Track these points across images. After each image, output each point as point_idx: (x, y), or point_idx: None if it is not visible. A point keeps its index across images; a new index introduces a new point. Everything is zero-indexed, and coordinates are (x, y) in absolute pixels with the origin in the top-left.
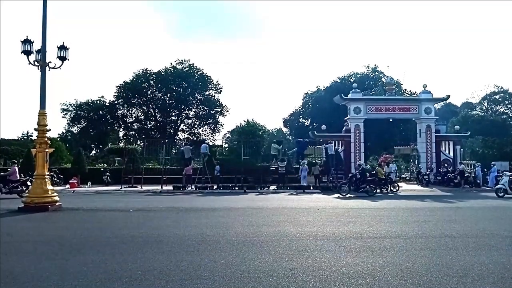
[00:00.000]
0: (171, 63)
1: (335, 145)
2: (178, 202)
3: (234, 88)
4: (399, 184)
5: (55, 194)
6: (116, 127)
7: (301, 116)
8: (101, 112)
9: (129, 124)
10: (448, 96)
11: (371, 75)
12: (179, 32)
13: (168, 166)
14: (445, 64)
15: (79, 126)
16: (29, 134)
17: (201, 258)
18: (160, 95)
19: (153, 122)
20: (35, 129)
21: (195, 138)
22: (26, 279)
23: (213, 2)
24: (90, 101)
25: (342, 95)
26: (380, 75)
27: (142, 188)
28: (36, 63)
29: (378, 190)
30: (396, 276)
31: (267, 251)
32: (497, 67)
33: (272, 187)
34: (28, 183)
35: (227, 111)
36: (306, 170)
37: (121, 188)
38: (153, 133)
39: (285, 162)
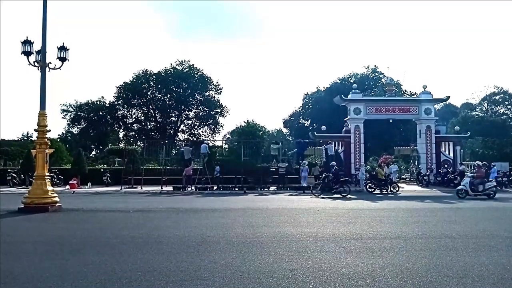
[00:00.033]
0: (171, 64)
1: (335, 146)
2: (178, 203)
3: (234, 89)
4: (399, 184)
5: (55, 194)
6: (116, 128)
7: (301, 117)
8: (101, 113)
9: (129, 125)
10: (448, 97)
11: (371, 76)
12: (179, 32)
13: (168, 167)
14: (445, 64)
15: (79, 126)
16: (29, 135)
17: (201, 259)
18: (160, 95)
19: (153, 123)
20: (35, 130)
21: (195, 139)
22: (26, 279)
23: (213, 2)
24: (90, 101)
25: (342, 95)
26: (380, 76)
27: (142, 188)
28: (36, 63)
29: (378, 191)
30: (396, 277)
31: (267, 252)
32: (497, 67)
33: (272, 188)
34: None
35: (227, 112)
36: (306, 171)
37: (121, 188)
38: (153, 133)
39: (286, 164)
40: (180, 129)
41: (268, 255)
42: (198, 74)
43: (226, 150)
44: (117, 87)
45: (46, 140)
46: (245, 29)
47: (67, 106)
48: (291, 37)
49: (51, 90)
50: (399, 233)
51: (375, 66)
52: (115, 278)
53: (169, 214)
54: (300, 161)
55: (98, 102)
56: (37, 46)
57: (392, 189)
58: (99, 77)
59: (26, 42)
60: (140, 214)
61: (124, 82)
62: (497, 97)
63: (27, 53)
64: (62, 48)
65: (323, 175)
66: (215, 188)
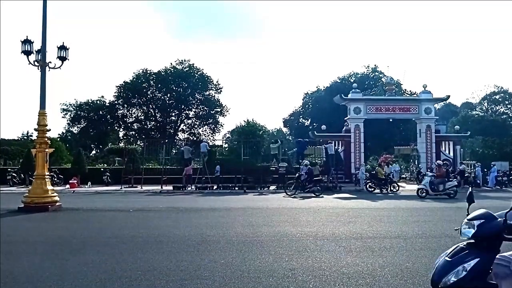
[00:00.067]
0: (171, 63)
1: (335, 145)
2: (178, 202)
3: (234, 88)
4: (400, 184)
5: (55, 194)
6: (116, 127)
7: (301, 116)
8: (101, 112)
9: (129, 124)
10: (448, 96)
11: (371, 75)
12: (179, 32)
13: (168, 166)
14: (445, 64)
15: (79, 126)
16: (29, 134)
17: (201, 258)
18: (160, 95)
19: (153, 122)
20: (35, 129)
21: (195, 138)
22: (26, 279)
23: (213, 2)
24: (90, 101)
25: (342, 95)
26: (380, 75)
27: (142, 188)
28: (36, 63)
29: (378, 190)
30: (396, 276)
31: (267, 251)
32: (497, 67)
33: (272, 187)
34: None
35: (227, 111)
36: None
37: (121, 188)
38: (153, 133)
39: (286, 164)
40: (180, 128)
41: (268, 254)
42: (198, 73)
43: (226, 149)
44: (117, 87)
45: (46, 139)
46: (245, 29)
47: (67, 106)
48: (291, 37)
49: (51, 90)
50: (399, 232)
51: (375, 65)
52: (115, 278)
53: (169, 213)
54: (300, 161)
55: (98, 102)
56: (37, 46)
57: (392, 188)
58: (99, 77)
59: (26, 42)
60: (140, 214)
61: (124, 82)
62: (497, 97)
63: (27, 53)
64: (62, 48)
65: (297, 174)
66: (215, 187)
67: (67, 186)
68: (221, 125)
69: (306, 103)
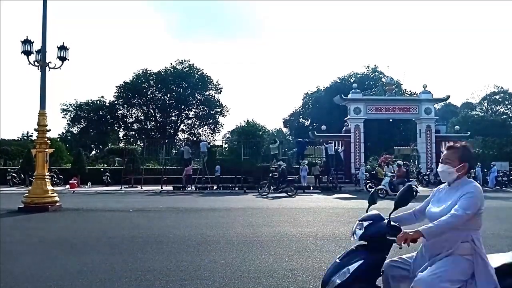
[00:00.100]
0: (171, 63)
1: (335, 145)
2: (178, 203)
3: (234, 88)
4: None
5: (55, 194)
6: (116, 127)
7: (301, 116)
8: (101, 112)
9: (129, 124)
10: (448, 96)
11: (371, 75)
12: (179, 32)
13: (168, 167)
14: (445, 64)
15: (79, 126)
16: (29, 134)
17: (201, 258)
18: (160, 95)
19: (153, 122)
20: (35, 129)
21: (195, 138)
22: (26, 279)
23: (213, 2)
24: (90, 101)
25: (342, 95)
26: (380, 75)
27: (142, 188)
28: (36, 63)
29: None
30: None
31: (267, 251)
32: (497, 67)
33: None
34: None
35: (227, 111)
36: (306, 170)
37: (121, 188)
38: (153, 133)
39: (283, 164)
40: (180, 128)
41: (268, 255)
42: (198, 73)
43: (226, 149)
44: (117, 87)
45: (46, 139)
46: (245, 29)
47: (67, 106)
48: (291, 37)
49: (51, 90)
50: None
51: (375, 65)
52: (115, 278)
53: (169, 213)
54: (300, 161)
55: (98, 102)
56: (37, 46)
57: None
58: (99, 77)
59: (26, 42)
60: (140, 214)
61: (124, 82)
62: (497, 97)
63: (27, 53)
64: (62, 48)
65: (270, 175)
66: (215, 187)
67: (67, 186)
68: (221, 125)
69: (306, 103)
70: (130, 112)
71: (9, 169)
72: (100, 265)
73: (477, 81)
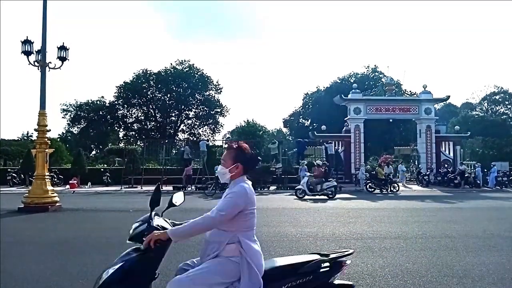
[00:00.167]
0: (171, 64)
1: (335, 146)
2: None
3: (234, 89)
4: (400, 184)
5: (55, 194)
6: (116, 128)
7: (301, 117)
8: (101, 113)
9: (129, 125)
10: (448, 97)
11: (371, 76)
12: (179, 32)
13: (168, 167)
14: (445, 64)
15: (79, 126)
16: (29, 135)
17: None
18: (160, 95)
19: (153, 123)
20: (35, 130)
21: (195, 139)
22: (26, 279)
23: (213, 2)
24: (90, 101)
25: (342, 95)
26: (380, 76)
27: (142, 188)
28: (36, 63)
29: (378, 191)
30: (396, 277)
31: (267, 251)
32: (497, 67)
33: (272, 188)
34: None
35: (227, 112)
36: (305, 170)
37: (121, 188)
38: (153, 133)
39: (280, 164)
40: (180, 128)
41: (268, 255)
42: (198, 73)
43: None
44: (117, 87)
45: (46, 139)
46: (245, 29)
47: (67, 106)
48: (291, 37)
49: (51, 90)
50: (399, 232)
51: (375, 65)
52: None
53: (169, 214)
54: (300, 161)
55: (98, 102)
56: (37, 46)
57: (392, 188)
58: (99, 77)
59: (26, 42)
60: (140, 214)
61: (124, 82)
62: (497, 97)
63: (27, 53)
64: (62, 48)
65: (215, 175)
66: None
67: (67, 186)
68: (221, 126)
69: (306, 103)
70: (130, 112)
71: (9, 169)
72: (100, 265)
73: (477, 81)
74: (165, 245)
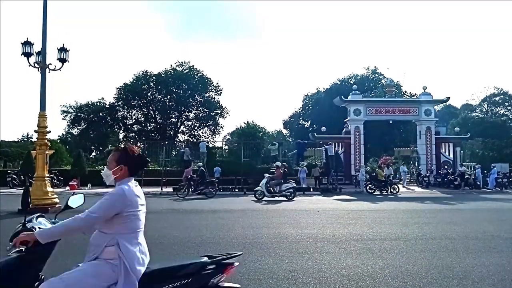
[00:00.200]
0: (171, 65)
1: (335, 147)
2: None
3: (234, 90)
4: (399, 186)
5: (55, 196)
6: (116, 129)
7: (301, 118)
8: (101, 114)
9: (129, 126)
10: (448, 98)
11: (371, 77)
12: (179, 32)
13: (168, 168)
14: (445, 66)
15: (79, 128)
16: (29, 136)
17: None
18: (160, 97)
19: (153, 124)
20: (35, 131)
21: (195, 140)
22: None
23: (213, 2)
24: (90, 102)
25: (342, 97)
26: (380, 77)
27: (142, 189)
28: (36, 65)
29: (378, 192)
30: (397, 278)
31: (267, 253)
32: (497, 68)
33: None
34: None
35: (227, 113)
36: (305, 172)
37: None
38: (153, 134)
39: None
40: (180, 130)
41: (268, 256)
42: (198, 75)
43: (226, 151)
44: (117, 88)
45: (46, 141)
46: (245, 29)
47: (67, 107)
48: (291, 37)
49: (51, 91)
50: (399, 234)
51: (375, 67)
52: None
53: (169, 215)
54: (300, 162)
55: (98, 103)
56: (37, 47)
57: (392, 190)
58: (99, 78)
59: (27, 43)
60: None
61: (124, 83)
62: (497, 98)
63: (27, 54)
64: (62, 49)
65: (189, 176)
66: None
67: (67, 188)
68: (221, 127)
69: (306, 104)
70: (130, 113)
71: (9, 171)
72: None
73: (477, 82)
74: (49, 247)
